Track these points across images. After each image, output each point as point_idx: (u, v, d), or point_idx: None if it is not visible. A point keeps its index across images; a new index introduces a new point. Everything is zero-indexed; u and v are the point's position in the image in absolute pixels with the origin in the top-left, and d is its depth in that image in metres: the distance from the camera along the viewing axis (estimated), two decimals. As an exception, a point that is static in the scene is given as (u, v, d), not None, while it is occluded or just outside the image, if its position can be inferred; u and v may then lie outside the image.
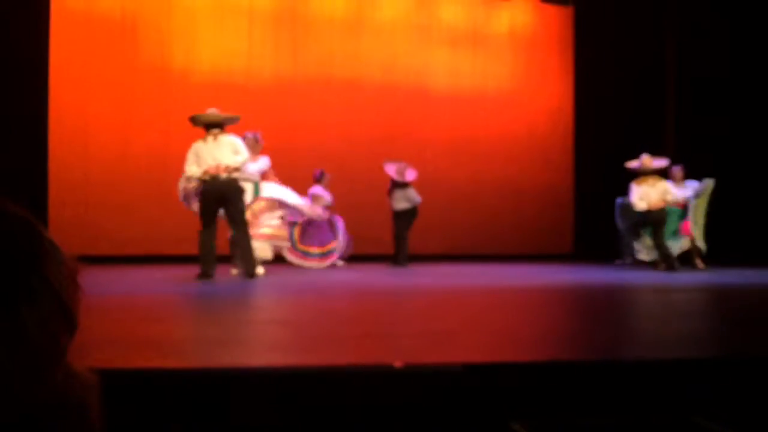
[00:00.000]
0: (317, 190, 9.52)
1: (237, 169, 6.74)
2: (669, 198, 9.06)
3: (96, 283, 5.60)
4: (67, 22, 9.81)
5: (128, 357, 2.39)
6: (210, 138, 6.83)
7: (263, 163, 7.82)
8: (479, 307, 4.65)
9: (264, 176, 7.85)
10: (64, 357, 0.71)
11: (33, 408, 0.67)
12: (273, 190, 7.93)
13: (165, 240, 9.70)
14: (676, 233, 9.45)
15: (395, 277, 7.54)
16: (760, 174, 10.05)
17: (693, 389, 2.21)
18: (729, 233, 9.81)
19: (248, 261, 6.75)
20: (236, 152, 6.77)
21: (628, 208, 9.24)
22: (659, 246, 8.97)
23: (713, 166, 9.72)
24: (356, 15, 11.37)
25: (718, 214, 9.48)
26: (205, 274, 6.56)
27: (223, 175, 6.66)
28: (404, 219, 9.69)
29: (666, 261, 8.86)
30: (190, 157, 6.82)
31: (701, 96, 11.22)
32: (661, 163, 9.23)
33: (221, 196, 6.67)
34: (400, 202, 9.71)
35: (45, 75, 9.60)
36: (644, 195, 9.04)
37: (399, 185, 9.68)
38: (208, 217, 6.70)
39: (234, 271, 7.41)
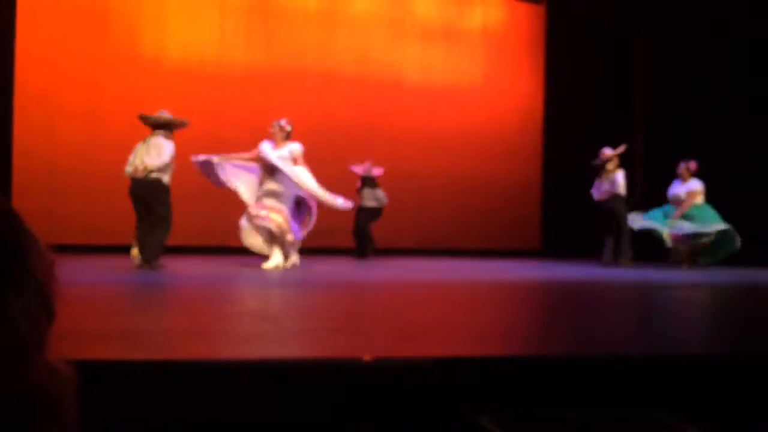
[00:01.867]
0: None
1: (152, 171, 6.89)
2: (616, 190, 9.31)
3: (62, 272, 5.52)
4: (34, 8, 9.62)
5: (98, 348, 2.38)
6: (149, 139, 7.04)
7: (291, 149, 7.62)
8: (449, 302, 4.68)
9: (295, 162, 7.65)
10: (44, 346, 0.71)
11: (13, 400, 0.67)
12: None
13: (131, 230, 9.58)
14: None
15: (365, 271, 7.56)
16: (730, 171, 10.19)
17: (656, 384, 2.27)
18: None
19: (153, 250, 6.85)
20: (158, 155, 6.92)
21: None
22: (621, 239, 9.21)
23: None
24: (329, 8, 11.33)
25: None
26: (144, 261, 6.83)
27: (142, 176, 6.88)
28: (369, 215, 9.89)
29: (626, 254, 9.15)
30: (131, 156, 7.11)
31: (671, 94, 11.39)
32: (618, 149, 9.47)
33: (140, 196, 6.94)
34: (369, 200, 9.90)
35: (11, 61, 9.42)
36: (596, 186, 9.43)
37: (368, 184, 9.84)
38: (137, 213, 7.02)
39: (267, 265, 7.32)
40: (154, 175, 6.87)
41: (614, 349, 2.81)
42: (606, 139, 10.24)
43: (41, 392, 0.72)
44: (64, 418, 0.75)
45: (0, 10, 9.31)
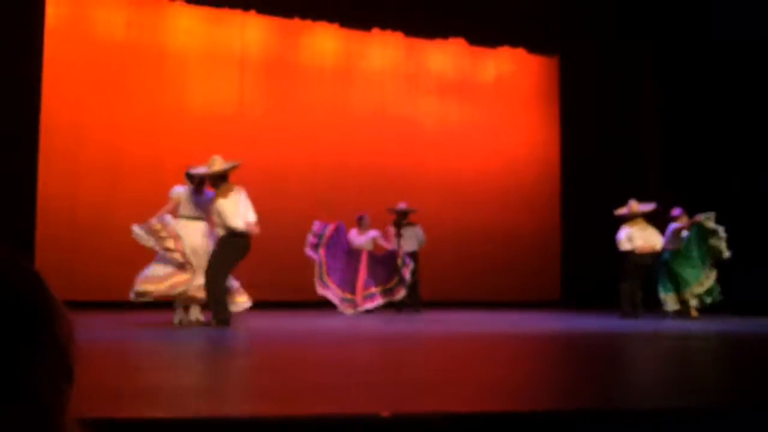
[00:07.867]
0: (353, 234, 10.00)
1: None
2: (657, 246, 9.10)
3: (82, 329, 5.55)
4: (60, 67, 9.90)
5: (118, 406, 2.39)
6: None
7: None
8: (466, 356, 4.65)
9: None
10: (67, 411, 0.72)
11: None
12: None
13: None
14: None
15: (383, 324, 7.53)
16: (746, 214, 10.10)
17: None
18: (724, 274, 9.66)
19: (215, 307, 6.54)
20: None
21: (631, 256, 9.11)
22: (634, 292, 8.99)
23: (698, 209, 9.68)
24: (346, 65, 11.56)
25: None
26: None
27: None
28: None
29: (629, 308, 8.91)
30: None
31: (683, 142, 11.41)
32: (647, 207, 9.26)
33: None
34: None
35: (36, 119, 9.64)
36: (631, 236, 9.07)
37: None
38: None
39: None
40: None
41: (635, 403, 2.77)
42: (623, 188, 10.21)
43: None
44: None
45: (27, 68, 9.57)
